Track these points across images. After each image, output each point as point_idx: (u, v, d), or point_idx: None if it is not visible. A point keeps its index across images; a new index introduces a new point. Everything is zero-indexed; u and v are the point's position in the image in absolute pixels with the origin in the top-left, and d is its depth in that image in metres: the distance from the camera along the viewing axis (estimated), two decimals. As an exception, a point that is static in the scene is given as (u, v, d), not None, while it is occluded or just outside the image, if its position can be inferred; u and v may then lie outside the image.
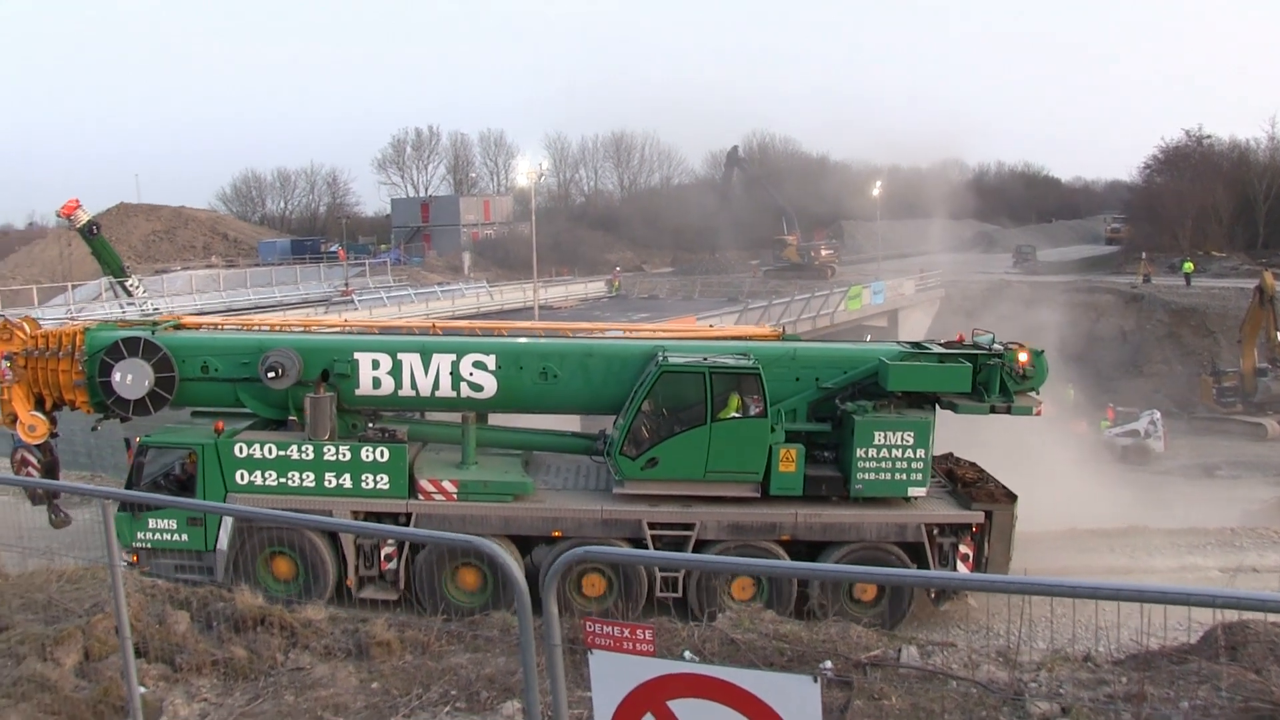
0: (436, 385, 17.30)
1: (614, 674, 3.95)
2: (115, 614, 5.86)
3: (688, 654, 8.98)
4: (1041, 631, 11.74)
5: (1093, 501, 23.84)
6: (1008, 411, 16.45)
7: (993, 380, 16.43)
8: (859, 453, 15.93)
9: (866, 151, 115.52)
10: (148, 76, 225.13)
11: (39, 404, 18.09)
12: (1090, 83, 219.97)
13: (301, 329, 20.32)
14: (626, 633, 3.97)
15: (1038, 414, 16.61)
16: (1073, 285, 64.22)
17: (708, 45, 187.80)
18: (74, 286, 61.17)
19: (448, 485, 16.82)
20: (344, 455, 16.69)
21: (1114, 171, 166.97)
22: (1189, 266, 66.64)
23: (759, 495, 16.39)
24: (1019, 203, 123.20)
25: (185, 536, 16.90)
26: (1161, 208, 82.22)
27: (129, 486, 17.21)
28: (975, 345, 17.39)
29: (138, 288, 47.73)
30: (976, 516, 16.35)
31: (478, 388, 17.27)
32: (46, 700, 7.97)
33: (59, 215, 44.90)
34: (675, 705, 3.86)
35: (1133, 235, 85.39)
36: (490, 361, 17.27)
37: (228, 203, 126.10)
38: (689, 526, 16.30)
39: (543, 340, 18.67)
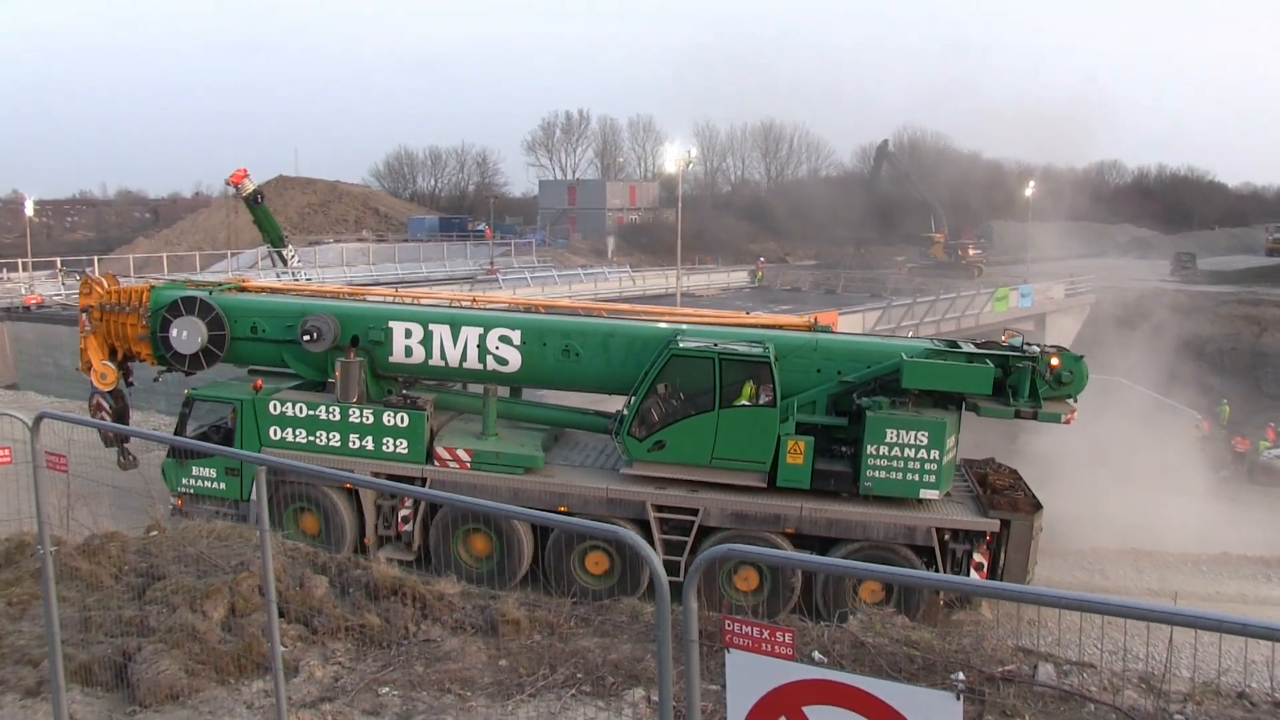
0: (464, 357, 17.74)
1: (750, 674, 3.88)
2: (262, 576, 6.03)
3: (816, 654, 8.85)
4: (1185, 660, 11.23)
5: (1243, 525, 22.79)
6: (1034, 417, 15.91)
7: (1023, 384, 15.89)
8: (869, 449, 15.55)
9: (1020, 149, 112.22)
10: (310, 54, 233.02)
11: (112, 354, 19.39)
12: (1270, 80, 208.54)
13: (348, 296, 21.21)
14: (766, 634, 3.89)
15: (1067, 421, 16.00)
16: (1235, 297, 61.08)
17: (864, 34, 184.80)
18: (234, 254, 63.71)
19: (462, 454, 17.23)
20: (368, 418, 17.32)
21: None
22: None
23: (765, 486, 16.15)
24: (1178, 208, 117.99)
25: (223, 485, 17.85)
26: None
27: (176, 434, 18.17)
28: (1008, 347, 16.87)
29: (293, 257, 49.32)
30: (991, 525, 15.73)
31: (503, 361, 17.66)
32: (195, 649, 8.30)
33: (227, 183, 46.71)
34: (811, 711, 3.78)
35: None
36: (515, 337, 17.60)
37: (380, 179, 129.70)
38: (693, 512, 16.18)
39: (567, 318, 18.89)
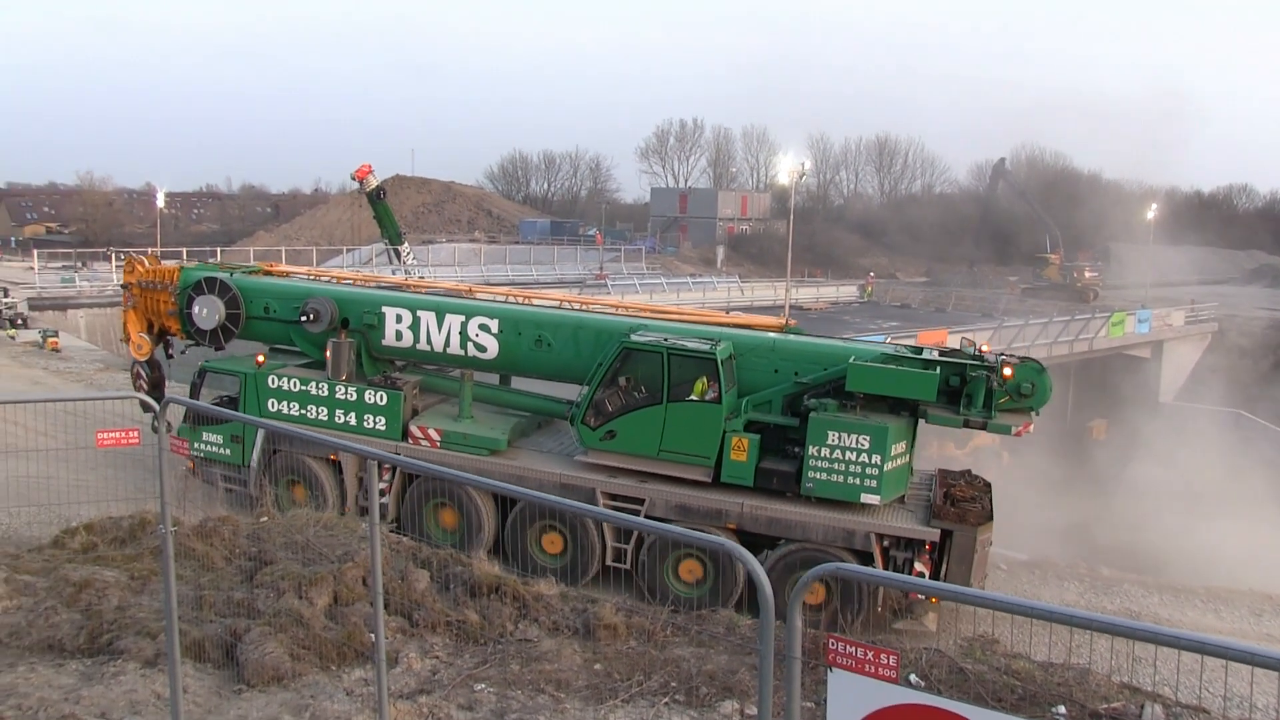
0: (448, 342, 18.56)
1: (852, 695, 3.84)
2: (370, 568, 6.16)
3: (913, 678, 8.70)
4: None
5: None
6: (983, 427, 15.61)
7: (977, 393, 15.52)
8: (811, 450, 15.42)
9: (1142, 170, 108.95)
10: (428, 58, 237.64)
11: (150, 328, 20.91)
12: None
13: (351, 283, 22.22)
14: (870, 655, 3.84)
15: (1018, 434, 15.75)
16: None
17: (984, 50, 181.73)
18: (349, 249, 65.22)
19: (433, 433, 18.00)
20: (351, 395, 18.33)
21: None
22: None
23: (710, 481, 16.14)
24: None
25: (228, 451, 19.04)
26: None
27: (191, 398, 19.28)
28: (964, 355, 16.41)
29: (409, 255, 50.34)
30: (931, 534, 15.33)
31: (481, 348, 18.42)
32: (300, 634, 8.51)
33: (352, 178, 47.96)
34: (912, 737, 3.72)
35: None
36: (493, 325, 18.35)
37: (494, 181, 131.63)
38: (640, 502, 16.32)
39: (542, 310, 19.49)
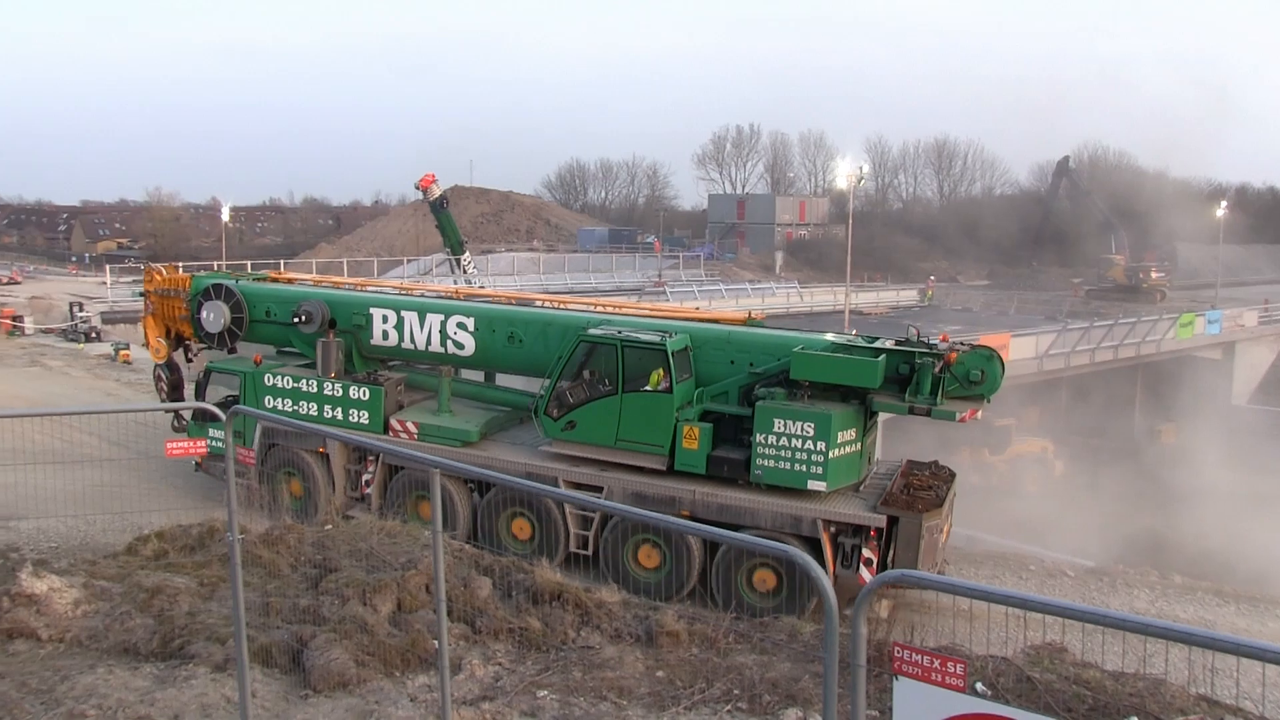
0: (429, 341, 19.47)
1: (919, 704, 3.80)
2: (434, 576, 6.21)
3: (980, 686, 8.59)
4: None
5: None
6: (927, 414, 15.61)
7: (924, 380, 15.60)
8: (758, 438, 15.76)
9: (1210, 168, 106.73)
10: (486, 69, 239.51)
11: (167, 333, 22.09)
12: None
13: (350, 287, 23.41)
14: (937, 663, 3.79)
15: (962, 420, 15.73)
16: None
17: (1044, 50, 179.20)
18: (409, 260, 65.85)
19: (411, 426, 18.84)
20: (337, 391, 19.22)
21: None
22: None
23: (665, 469, 16.58)
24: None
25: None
26: None
27: (196, 396, 20.81)
28: (912, 343, 16.60)
29: (469, 264, 50.74)
30: (877, 520, 15.46)
31: (460, 346, 19.28)
32: (364, 641, 8.61)
33: (416, 187, 48.58)
34: (982, 746, 3.67)
35: None
36: (470, 323, 19.20)
37: (552, 190, 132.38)
38: (598, 489, 16.81)
39: (514, 307, 20.49)
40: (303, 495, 19.22)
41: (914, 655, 3.85)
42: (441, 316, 19.39)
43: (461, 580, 9.85)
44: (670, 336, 16.90)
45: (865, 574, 15.41)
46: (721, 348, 17.38)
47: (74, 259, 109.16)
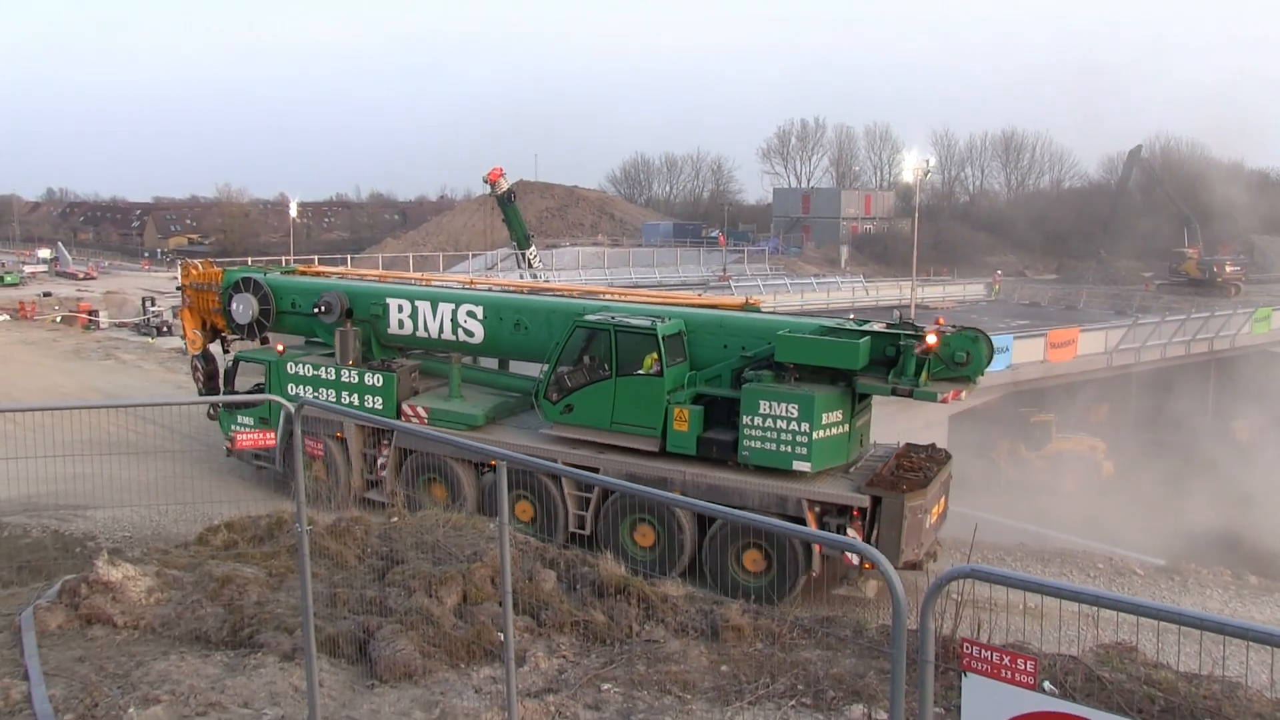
0: (441, 329, 20.25)
1: (988, 701, 3.74)
2: (500, 568, 6.25)
3: (1048, 685, 8.45)
4: None
5: None
6: (909, 394, 15.95)
7: (908, 362, 15.88)
8: (745, 420, 16.16)
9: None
10: (549, 64, 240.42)
11: (203, 325, 23.30)
12: None
13: (373, 278, 24.77)
14: (1007, 660, 3.74)
15: (944, 400, 16.18)
16: None
17: (1112, 38, 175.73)
18: (474, 255, 66.30)
19: (421, 411, 19.65)
20: (353, 378, 20.14)
21: None
22: None
23: (658, 450, 17.08)
24: None
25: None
26: None
27: (226, 385, 22.36)
28: (897, 325, 17.11)
29: (535, 258, 50.97)
30: (860, 500, 15.73)
31: (470, 334, 20.03)
32: (430, 632, 8.69)
33: (484, 180, 48.92)
34: (1053, 746, 3.61)
35: None
36: (479, 312, 19.94)
37: (616, 184, 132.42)
38: (594, 470, 17.20)
39: (520, 296, 21.46)
40: (324, 478, 20.09)
41: (983, 652, 3.80)
42: (453, 306, 20.15)
43: (526, 573, 9.91)
44: (663, 322, 17.39)
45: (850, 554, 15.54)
46: (715, 333, 17.84)
47: (147, 254, 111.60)
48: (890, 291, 57.72)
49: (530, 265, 49.52)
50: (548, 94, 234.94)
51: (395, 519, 13.14)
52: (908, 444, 18.12)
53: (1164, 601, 17.88)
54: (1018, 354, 36.17)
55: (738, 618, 9.21)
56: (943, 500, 17.13)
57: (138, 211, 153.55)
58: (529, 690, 8.01)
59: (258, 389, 21.76)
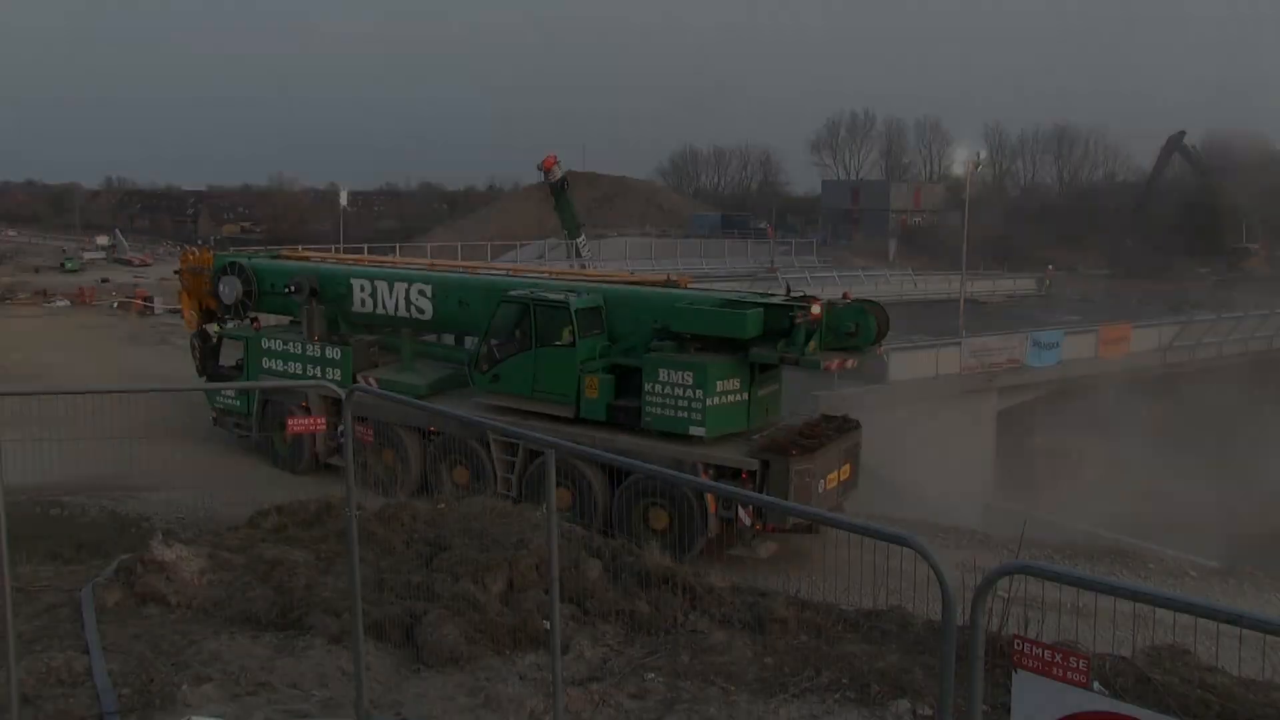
0: (397, 307, 21.53)
1: (1039, 699, 3.70)
2: (547, 556, 6.28)
3: (1096, 685, 8.32)
4: None
5: None
6: (796, 363, 16.67)
7: (797, 332, 16.39)
8: (646, 387, 17.07)
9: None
10: (597, 54, 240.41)
11: (199, 306, 24.97)
12: None
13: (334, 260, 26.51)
14: (1059, 658, 3.70)
15: (828, 369, 16.87)
16: None
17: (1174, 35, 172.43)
18: (521, 244, 66.51)
19: (372, 381, 20.65)
20: (316, 352, 21.73)
21: None
22: None
23: (573, 417, 17.95)
24: None
25: (239, 403, 23.15)
26: None
27: (212, 359, 24.47)
28: (789, 297, 17.54)
29: (585, 248, 51.07)
30: (749, 464, 16.36)
31: (421, 310, 21.31)
32: (475, 619, 8.74)
33: (539, 168, 49.28)
34: (1105, 746, 3.56)
35: None
36: (428, 290, 21.24)
37: (665, 175, 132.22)
38: (518, 436, 17.63)
39: (464, 275, 23.03)
40: (290, 443, 21.62)
41: (1034, 649, 3.76)
42: (406, 285, 21.50)
43: (572, 561, 9.93)
44: (577, 295, 18.41)
45: (744, 516, 16.23)
46: (630, 306, 18.74)
47: (201, 242, 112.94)
48: (939, 285, 57.26)
49: (579, 255, 49.61)
50: (596, 83, 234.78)
51: (442, 505, 13.22)
52: (824, 415, 18.97)
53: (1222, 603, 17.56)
54: (1068, 349, 35.78)
55: (783, 610, 9.18)
56: (847, 467, 17.70)
57: (192, 199, 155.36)
58: (573, 678, 8.03)
59: (238, 364, 23.76)
